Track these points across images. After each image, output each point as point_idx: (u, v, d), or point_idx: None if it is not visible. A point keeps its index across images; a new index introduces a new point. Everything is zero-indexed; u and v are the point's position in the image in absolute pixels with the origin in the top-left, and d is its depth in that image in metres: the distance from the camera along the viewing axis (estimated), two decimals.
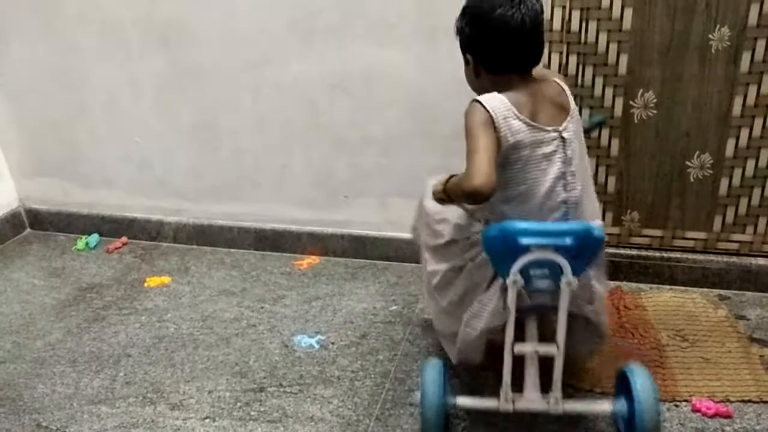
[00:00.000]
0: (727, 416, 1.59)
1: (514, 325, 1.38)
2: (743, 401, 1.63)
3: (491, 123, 1.32)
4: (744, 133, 1.96)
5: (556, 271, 1.30)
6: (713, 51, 1.88)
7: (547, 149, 1.36)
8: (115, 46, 2.42)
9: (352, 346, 1.95)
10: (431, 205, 1.61)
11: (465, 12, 1.42)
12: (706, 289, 2.12)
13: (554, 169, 1.37)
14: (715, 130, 1.97)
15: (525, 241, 1.27)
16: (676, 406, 1.64)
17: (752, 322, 1.94)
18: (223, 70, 2.34)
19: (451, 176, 1.45)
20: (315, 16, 2.16)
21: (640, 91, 1.98)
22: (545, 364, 1.44)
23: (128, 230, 2.73)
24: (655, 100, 1.98)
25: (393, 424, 1.63)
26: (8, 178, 2.81)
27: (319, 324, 2.07)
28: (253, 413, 1.70)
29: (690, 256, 2.13)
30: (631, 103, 2.00)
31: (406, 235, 2.39)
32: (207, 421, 1.69)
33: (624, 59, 1.95)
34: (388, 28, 2.11)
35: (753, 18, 1.82)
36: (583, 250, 1.29)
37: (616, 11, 1.90)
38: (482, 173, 1.26)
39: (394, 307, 2.14)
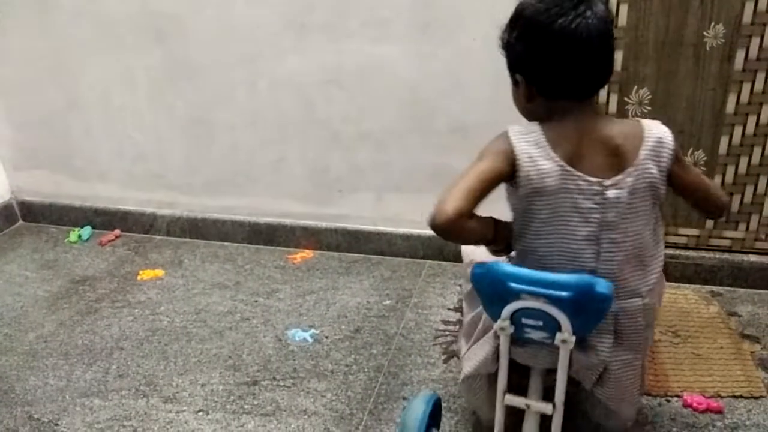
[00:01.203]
0: (718, 411, 1.61)
1: (506, 372, 1.21)
2: (734, 397, 1.65)
3: (506, 158, 1.12)
4: (737, 131, 1.97)
5: (552, 325, 1.12)
6: (708, 48, 1.89)
7: (583, 204, 1.11)
8: (110, 39, 2.41)
9: (346, 340, 1.96)
10: (468, 248, 1.48)
11: (515, 22, 1.15)
12: (698, 286, 2.13)
13: (586, 229, 1.12)
14: (709, 127, 1.98)
15: (514, 286, 1.10)
16: (668, 401, 1.65)
17: (744, 319, 1.96)
18: (217, 65, 2.33)
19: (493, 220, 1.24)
20: (310, 11, 2.16)
21: (635, 87, 1.98)
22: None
23: (121, 223, 2.72)
24: (649, 97, 1.99)
25: (386, 418, 1.64)
26: (0, 170, 2.79)
27: (312, 318, 2.07)
28: (246, 406, 1.70)
29: (683, 252, 2.14)
30: (625, 99, 2.00)
31: (401, 229, 2.41)
32: (200, 414, 1.69)
33: (619, 56, 1.95)
34: (382, 24, 2.11)
35: (747, 15, 1.83)
36: (584, 307, 1.10)
37: (611, 8, 1.90)
38: (444, 207, 1.07)
39: (388, 302, 2.15)
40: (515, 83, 1.20)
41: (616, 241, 1.14)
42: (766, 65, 1.87)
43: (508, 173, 1.13)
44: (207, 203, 2.60)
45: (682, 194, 1.24)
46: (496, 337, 1.21)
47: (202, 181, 2.57)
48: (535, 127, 1.14)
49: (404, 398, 1.70)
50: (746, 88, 1.91)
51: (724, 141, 1.99)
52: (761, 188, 2.02)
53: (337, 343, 1.94)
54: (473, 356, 1.31)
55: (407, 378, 1.77)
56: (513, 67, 1.18)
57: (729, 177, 2.03)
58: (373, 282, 2.27)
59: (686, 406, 1.63)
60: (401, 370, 1.81)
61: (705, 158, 2.02)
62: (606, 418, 1.33)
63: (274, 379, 1.80)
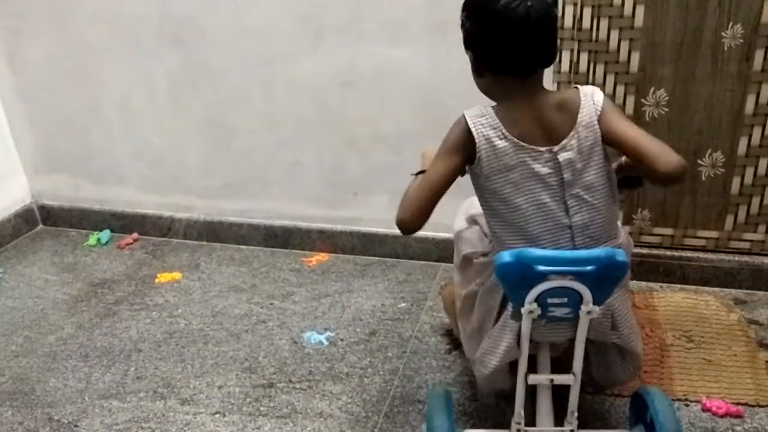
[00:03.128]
0: (738, 416, 1.59)
1: (527, 355, 1.28)
2: (739, 404, 1.62)
3: (463, 147, 1.26)
4: (756, 132, 1.94)
5: (575, 299, 1.19)
6: (726, 49, 1.87)
7: (541, 170, 1.24)
8: (128, 44, 2.43)
9: (361, 342, 1.96)
10: (456, 223, 1.58)
11: (467, 4, 1.30)
12: (717, 289, 2.10)
13: (550, 192, 1.25)
14: (728, 128, 1.96)
15: (542, 268, 1.15)
16: (686, 405, 1.63)
17: (764, 326, 1.92)
18: (234, 68, 2.35)
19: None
20: (325, 14, 2.17)
21: (652, 89, 1.97)
22: (560, 391, 1.34)
23: (139, 226, 2.75)
24: (666, 98, 1.97)
25: (401, 421, 1.64)
26: (21, 175, 2.84)
27: (328, 321, 2.08)
28: (262, 409, 1.71)
29: (701, 255, 2.12)
30: (642, 101, 1.99)
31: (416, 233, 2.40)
32: (217, 416, 1.70)
33: (636, 57, 1.94)
34: (397, 25, 2.11)
35: (766, 15, 1.80)
36: (605, 277, 1.18)
37: (627, 8, 1.89)
38: (409, 208, 1.26)
39: (403, 305, 2.15)
40: (470, 60, 1.32)
41: (579, 195, 1.26)
42: None
43: (468, 160, 1.27)
44: (223, 206, 2.62)
45: (619, 150, 1.28)
46: (515, 322, 1.28)
47: (219, 184, 2.59)
48: (488, 109, 1.26)
49: (419, 401, 1.69)
50: (765, 89, 1.89)
51: (743, 142, 1.96)
52: None
53: (352, 346, 1.95)
54: (492, 351, 1.35)
55: (422, 381, 1.77)
56: (466, 45, 1.30)
57: (748, 178, 2.00)
58: (388, 285, 2.27)
59: (705, 410, 1.61)
60: (416, 373, 1.80)
61: (723, 160, 2.00)
62: (622, 367, 1.40)
63: (290, 381, 1.81)
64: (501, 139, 1.24)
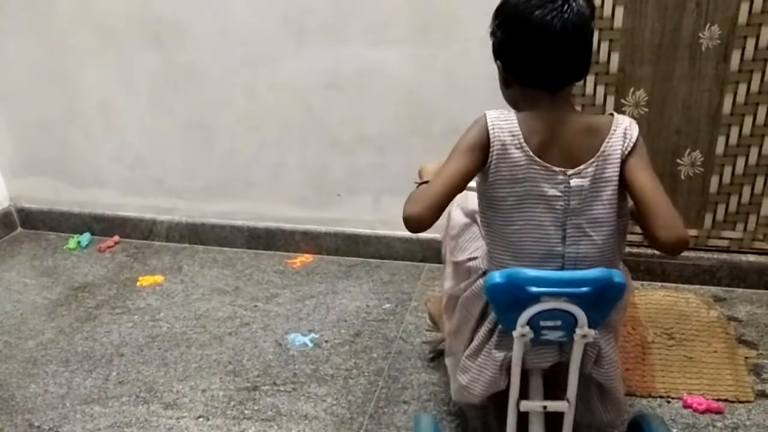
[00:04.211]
0: (718, 412, 1.61)
1: (519, 380, 1.22)
2: (719, 400, 1.64)
3: (480, 147, 1.19)
4: (734, 131, 1.98)
5: (569, 322, 1.13)
6: (703, 49, 1.90)
7: (549, 192, 1.17)
8: (108, 44, 2.41)
9: (346, 344, 1.96)
10: (456, 216, 1.51)
11: (498, 12, 1.22)
12: (696, 286, 2.13)
13: (552, 216, 1.18)
14: (706, 128, 1.99)
15: (535, 290, 1.10)
16: (668, 402, 1.65)
17: (743, 323, 1.95)
18: (216, 69, 2.34)
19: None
20: (309, 15, 2.16)
21: (631, 89, 1.99)
22: (552, 417, 1.29)
23: (120, 229, 2.72)
24: (646, 99, 1.99)
25: (387, 422, 1.64)
26: None
27: (312, 322, 2.07)
28: (246, 412, 1.70)
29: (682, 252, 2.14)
30: (622, 101, 2.01)
31: (399, 233, 2.41)
32: (201, 420, 1.69)
33: (615, 57, 1.96)
34: (381, 27, 2.11)
35: (743, 16, 1.84)
36: (601, 299, 1.12)
37: (607, 10, 1.91)
38: (422, 205, 1.16)
39: (388, 305, 2.15)
40: (498, 70, 1.26)
41: (581, 227, 1.19)
42: (762, 66, 1.88)
43: (482, 163, 1.20)
44: (206, 208, 2.60)
45: (631, 195, 1.20)
46: (501, 349, 1.23)
47: (201, 186, 2.57)
48: (511, 114, 1.20)
49: (405, 402, 1.70)
50: (742, 89, 1.92)
51: (721, 141, 1.99)
52: (758, 188, 2.02)
53: (337, 348, 1.94)
54: (476, 380, 1.29)
55: (407, 382, 1.77)
56: (495, 53, 1.24)
57: (726, 177, 2.03)
58: (372, 286, 2.27)
59: (686, 406, 1.63)
60: (401, 374, 1.81)
61: (702, 159, 2.03)
62: (602, 408, 1.34)
63: (275, 384, 1.80)
64: (516, 149, 1.17)
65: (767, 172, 2.00)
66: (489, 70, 1.30)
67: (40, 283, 2.42)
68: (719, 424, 1.58)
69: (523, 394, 1.25)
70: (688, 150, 2.03)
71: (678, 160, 2.04)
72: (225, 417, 1.69)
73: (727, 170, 2.03)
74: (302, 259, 2.47)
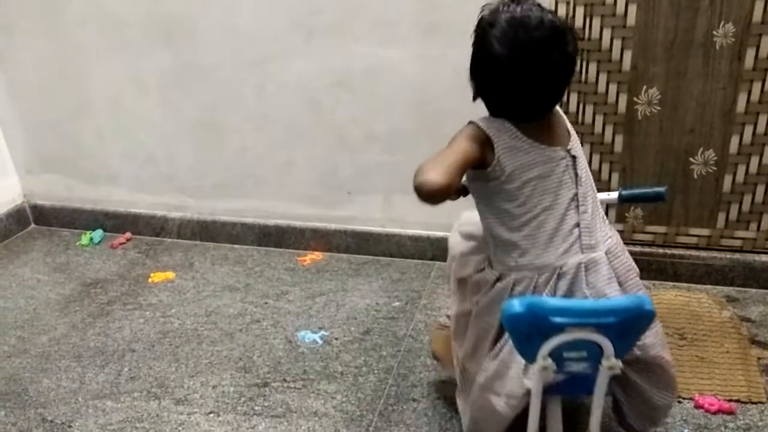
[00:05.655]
0: (730, 413, 1.60)
1: (538, 413, 1.14)
2: (731, 400, 1.63)
3: (481, 141, 1.20)
4: (748, 130, 1.96)
5: (595, 352, 1.05)
6: (717, 47, 1.88)
7: (558, 168, 1.23)
8: (119, 43, 2.42)
9: (356, 341, 1.96)
10: (453, 239, 1.50)
11: (485, 39, 1.18)
12: (709, 286, 2.12)
13: (567, 191, 1.23)
14: (719, 126, 1.97)
15: (558, 320, 1.02)
16: (680, 402, 1.64)
17: (756, 323, 1.94)
18: (226, 67, 2.34)
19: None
20: (317, 14, 2.16)
21: (644, 87, 1.97)
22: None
23: (132, 226, 2.74)
24: (659, 97, 1.98)
25: (396, 420, 1.64)
26: (13, 174, 2.82)
27: (322, 320, 2.08)
28: (257, 408, 1.71)
29: (693, 252, 2.13)
30: (634, 99, 2.00)
31: (409, 231, 2.41)
32: (211, 415, 1.70)
33: (628, 55, 1.95)
34: (389, 26, 2.11)
35: (758, 14, 1.82)
36: (630, 328, 1.05)
37: (620, 7, 1.90)
38: (436, 170, 1.10)
39: (397, 303, 2.15)
40: (472, 87, 1.26)
41: (585, 194, 1.25)
42: None
43: (481, 159, 1.20)
44: (217, 206, 2.61)
45: None
46: (524, 376, 1.17)
47: (212, 183, 2.58)
48: (496, 119, 1.23)
49: (414, 400, 1.70)
50: (757, 87, 1.90)
51: (734, 140, 1.98)
52: None
53: (346, 345, 1.95)
54: (498, 378, 1.23)
55: (417, 380, 1.77)
56: (474, 83, 1.25)
57: (740, 177, 2.01)
58: (382, 284, 2.28)
59: (698, 407, 1.62)
60: (411, 372, 1.81)
61: (715, 158, 2.01)
62: (658, 395, 1.28)
63: (285, 380, 1.81)
64: (516, 139, 1.21)
65: None
66: None
67: (52, 279, 2.44)
68: (731, 425, 1.57)
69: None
70: (701, 149, 2.01)
71: (691, 159, 2.03)
72: (235, 413, 1.70)
73: (741, 169, 2.01)
74: (312, 257, 2.48)
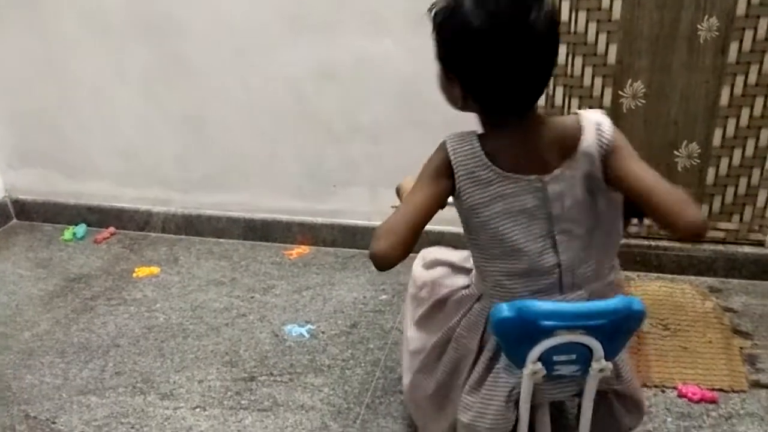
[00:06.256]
0: (713, 401, 1.62)
1: (527, 421, 1.12)
2: (714, 389, 1.65)
3: (445, 174, 1.09)
4: (731, 123, 1.98)
5: (584, 355, 1.05)
6: (702, 41, 1.90)
7: (528, 202, 1.07)
8: (100, 35, 2.39)
9: (343, 335, 1.96)
10: (417, 270, 1.42)
11: (454, 14, 1.02)
12: (693, 277, 2.14)
13: (537, 227, 1.09)
14: (703, 119, 1.99)
15: (548, 323, 1.00)
16: (663, 391, 1.66)
17: (738, 314, 1.96)
18: (210, 59, 2.32)
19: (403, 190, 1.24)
20: (303, 5, 2.15)
21: (629, 81, 1.99)
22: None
23: (116, 220, 2.71)
24: (644, 90, 1.99)
25: (383, 412, 1.64)
26: None
27: (309, 313, 2.07)
28: (243, 402, 1.71)
29: (677, 244, 2.15)
30: (619, 93, 2.01)
31: None
32: (197, 410, 1.69)
33: (613, 49, 1.95)
34: (375, 17, 2.10)
35: (741, 8, 1.83)
36: (619, 330, 1.04)
37: (605, 1, 1.91)
38: (388, 241, 1.06)
39: (384, 296, 2.15)
40: (447, 77, 1.09)
41: (568, 231, 1.09)
42: (759, 57, 1.88)
43: (451, 189, 1.10)
44: (202, 200, 2.59)
45: (627, 193, 1.09)
46: (509, 376, 1.13)
47: (197, 177, 2.56)
48: (472, 136, 1.09)
49: (401, 392, 1.70)
50: (740, 81, 1.92)
51: (718, 133, 2.00)
52: (755, 180, 2.03)
53: (333, 338, 1.94)
54: (482, 416, 1.16)
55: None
56: (446, 65, 1.08)
57: (723, 169, 2.04)
58: (369, 277, 2.27)
59: (681, 396, 1.64)
60: (398, 365, 1.81)
61: (699, 151, 2.03)
62: (629, 417, 1.26)
63: (271, 374, 1.80)
64: (484, 170, 1.07)
65: (763, 164, 2.00)
66: None
67: (35, 275, 2.41)
68: (714, 414, 1.59)
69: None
70: (685, 142, 2.03)
71: (675, 152, 2.05)
72: (222, 407, 1.69)
73: (724, 162, 2.03)
74: (299, 251, 2.47)
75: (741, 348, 1.81)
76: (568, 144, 1.08)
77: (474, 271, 1.23)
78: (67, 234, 2.69)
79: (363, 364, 1.82)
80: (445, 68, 1.08)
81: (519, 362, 1.06)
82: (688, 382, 1.67)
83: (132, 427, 1.64)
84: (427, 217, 1.09)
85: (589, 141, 1.07)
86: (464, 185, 1.08)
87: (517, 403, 1.12)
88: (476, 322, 1.19)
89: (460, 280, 1.29)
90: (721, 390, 1.65)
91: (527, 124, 1.08)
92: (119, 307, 2.17)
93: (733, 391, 1.65)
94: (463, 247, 1.30)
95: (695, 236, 1.07)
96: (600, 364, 1.04)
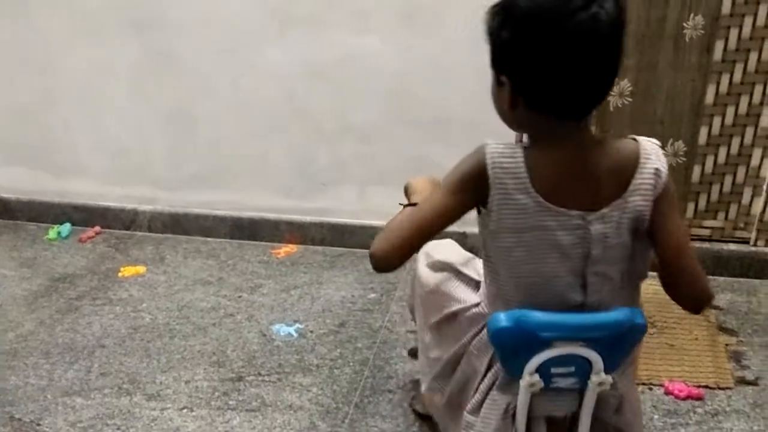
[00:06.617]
0: (699, 398, 1.63)
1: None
2: (699, 386, 1.66)
3: (474, 187, 0.97)
4: (716, 122, 1.99)
5: (583, 368, 1.00)
6: (687, 39, 1.91)
7: (564, 239, 0.97)
8: (87, 30, 2.36)
9: (331, 334, 1.95)
10: (425, 273, 1.32)
11: (511, 6, 0.92)
12: None
13: (569, 265, 0.99)
14: (689, 118, 2.00)
15: (547, 335, 0.97)
16: (650, 389, 1.67)
17: (724, 311, 1.98)
18: (199, 56, 2.30)
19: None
20: (292, 3, 2.14)
21: (616, 79, 1.99)
22: None
23: (101, 219, 2.68)
24: (630, 89, 2.00)
25: (372, 411, 1.64)
26: None
27: (297, 312, 2.06)
28: (231, 402, 1.70)
29: None
30: None
31: (384, 222, 2.39)
32: (185, 411, 1.67)
33: None
34: (365, 14, 2.10)
35: (726, 7, 1.85)
36: (620, 342, 1.00)
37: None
38: (390, 240, 1.00)
39: (373, 295, 2.14)
40: (498, 82, 0.98)
41: (602, 273, 1.01)
42: (744, 56, 1.90)
43: (476, 202, 1.00)
44: (189, 198, 2.57)
45: (655, 245, 1.03)
46: (505, 393, 1.08)
47: (184, 175, 2.54)
48: (517, 151, 0.96)
49: (390, 391, 1.70)
50: (725, 79, 1.93)
51: (703, 131, 2.01)
52: (740, 178, 2.05)
53: (322, 338, 1.94)
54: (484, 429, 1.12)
55: (393, 371, 1.77)
56: (499, 65, 0.96)
57: (708, 167, 2.05)
58: (357, 276, 2.27)
59: (668, 393, 1.66)
60: (387, 363, 1.81)
61: (685, 149, 2.04)
62: None
63: (259, 374, 1.79)
64: (522, 194, 0.95)
65: (748, 162, 2.02)
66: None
67: (19, 275, 2.38)
68: (700, 410, 1.60)
69: None
70: (671, 140, 2.04)
71: (661, 150, 2.06)
72: (209, 408, 1.68)
73: (710, 160, 2.05)
74: (287, 250, 2.46)
75: (726, 345, 1.82)
76: (623, 174, 0.97)
77: (484, 289, 1.16)
78: (52, 233, 2.65)
79: (351, 364, 1.82)
80: (497, 71, 0.98)
81: (515, 373, 1.02)
82: (675, 380, 1.68)
83: (118, 429, 1.62)
84: (440, 228, 1.00)
85: (645, 177, 0.98)
86: (496, 205, 0.97)
87: (514, 416, 1.08)
88: (487, 343, 1.11)
89: (471, 296, 1.21)
90: (707, 387, 1.67)
91: (581, 140, 0.97)
92: (105, 307, 2.15)
93: (719, 388, 1.66)
94: (464, 246, 1.30)
95: (699, 309, 1.07)
96: (599, 377, 1.01)
